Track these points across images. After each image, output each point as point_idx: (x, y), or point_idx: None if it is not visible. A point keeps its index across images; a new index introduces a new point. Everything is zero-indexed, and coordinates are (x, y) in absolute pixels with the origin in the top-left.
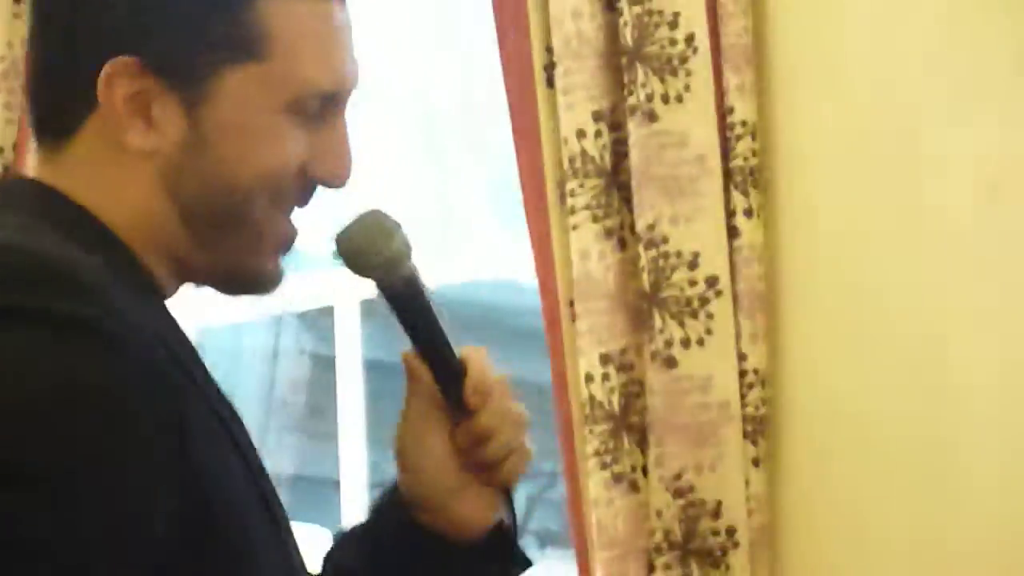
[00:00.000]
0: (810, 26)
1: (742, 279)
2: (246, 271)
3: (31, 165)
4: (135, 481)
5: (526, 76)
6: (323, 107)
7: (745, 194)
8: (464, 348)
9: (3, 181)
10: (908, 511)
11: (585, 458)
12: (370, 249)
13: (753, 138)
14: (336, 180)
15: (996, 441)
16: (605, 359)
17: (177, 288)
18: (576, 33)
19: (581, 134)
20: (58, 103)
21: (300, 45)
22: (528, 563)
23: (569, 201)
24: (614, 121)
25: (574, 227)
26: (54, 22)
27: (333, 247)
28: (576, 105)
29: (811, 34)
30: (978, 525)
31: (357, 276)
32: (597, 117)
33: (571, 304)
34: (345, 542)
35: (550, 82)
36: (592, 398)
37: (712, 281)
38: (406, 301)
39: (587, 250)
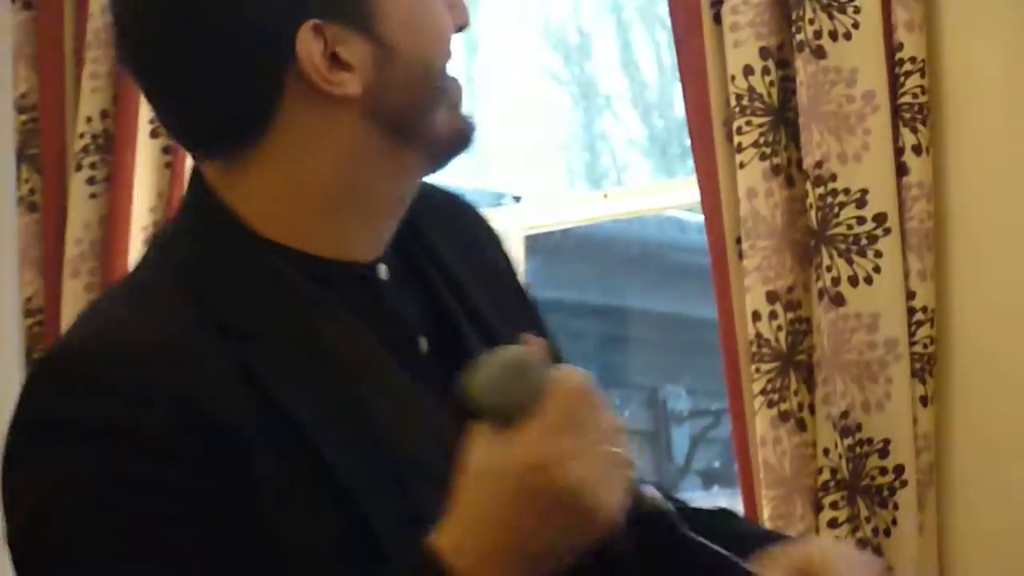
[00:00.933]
0: None
1: (911, 217)
2: (453, 135)
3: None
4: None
5: (693, 13)
6: None
7: (914, 131)
8: None
9: (191, 196)
10: None
11: (752, 397)
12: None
13: (922, 75)
14: (466, 23)
15: None
16: (772, 297)
17: (388, 232)
18: None
19: (749, 71)
20: (237, 112)
21: None
22: None
23: (736, 139)
24: (782, 58)
25: (741, 165)
26: (217, 35)
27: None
28: (744, 42)
29: None
30: None
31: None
32: (765, 54)
33: (738, 241)
34: None
35: (717, 19)
36: (759, 336)
37: (880, 218)
38: None
39: (755, 187)
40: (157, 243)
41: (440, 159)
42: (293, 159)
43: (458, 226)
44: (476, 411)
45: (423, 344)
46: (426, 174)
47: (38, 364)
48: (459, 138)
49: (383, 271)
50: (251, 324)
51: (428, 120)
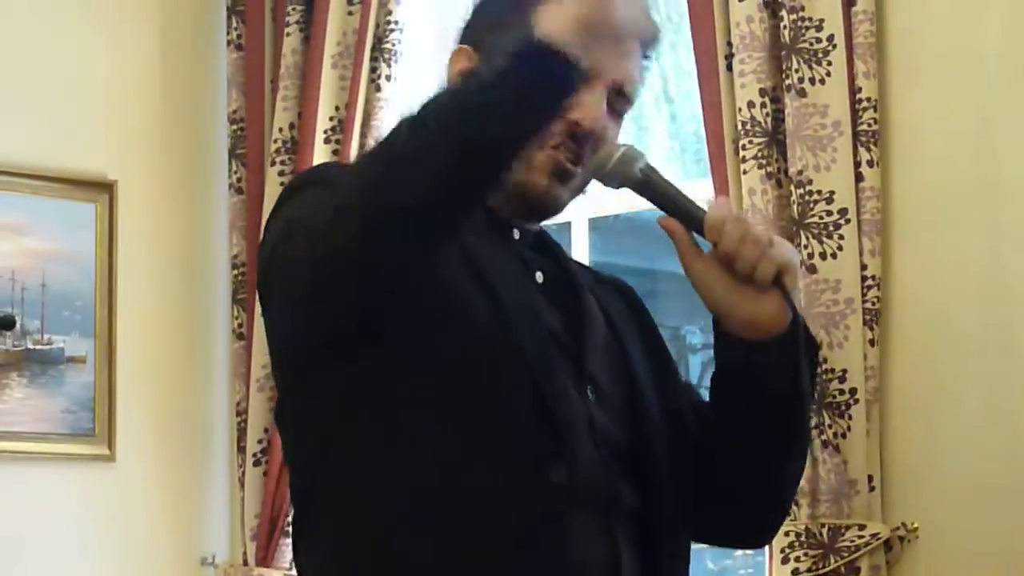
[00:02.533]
0: (917, 29)
1: (864, 211)
2: (525, 189)
3: None
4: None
5: (712, 63)
6: None
7: (868, 150)
8: (713, 202)
9: None
10: (982, 379)
11: None
12: (600, 166)
13: (875, 110)
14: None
15: None
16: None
17: (522, 218)
18: (749, 33)
19: (751, 105)
20: None
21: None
22: (815, 347)
23: (741, 153)
24: (775, 96)
25: (744, 171)
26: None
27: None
28: (748, 84)
29: (918, 34)
30: None
31: (606, 187)
32: (763, 93)
33: None
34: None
35: (729, 67)
36: None
37: (843, 212)
38: (643, 188)
39: (754, 188)
40: None
41: (524, 210)
42: None
43: (614, 288)
44: None
45: (539, 276)
46: (521, 216)
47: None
48: (538, 201)
49: (515, 234)
50: None
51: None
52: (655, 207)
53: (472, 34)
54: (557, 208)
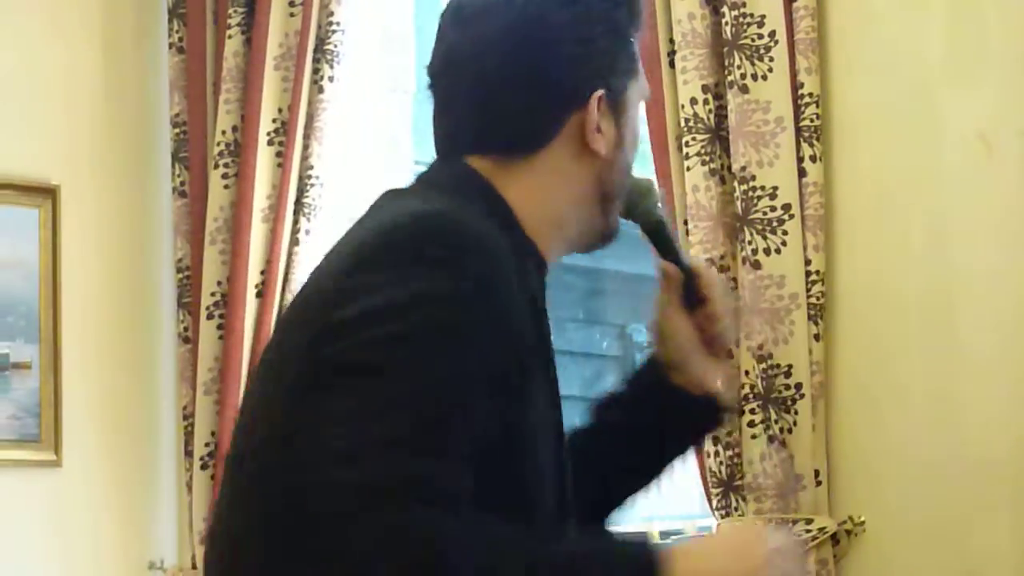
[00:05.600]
0: (858, 24)
1: (808, 206)
2: (608, 230)
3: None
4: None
5: (654, 59)
6: None
7: (811, 145)
8: (695, 260)
9: (458, 171)
10: (927, 372)
11: None
12: (635, 201)
13: (817, 105)
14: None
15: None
16: (709, 263)
17: (556, 258)
18: (691, 30)
19: (694, 101)
20: (527, 130)
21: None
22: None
23: (684, 149)
24: (717, 92)
25: (688, 168)
26: (539, 72)
27: None
28: (690, 81)
29: (859, 29)
30: (979, 374)
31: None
32: (705, 90)
33: (685, 223)
34: (607, 401)
35: (672, 64)
36: None
37: (786, 207)
38: (655, 229)
39: (697, 184)
40: (428, 184)
41: (593, 248)
42: (547, 178)
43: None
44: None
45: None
46: (580, 251)
47: (415, 218)
48: (610, 239)
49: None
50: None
51: (614, 210)
52: (656, 249)
53: (588, 77)
54: None
